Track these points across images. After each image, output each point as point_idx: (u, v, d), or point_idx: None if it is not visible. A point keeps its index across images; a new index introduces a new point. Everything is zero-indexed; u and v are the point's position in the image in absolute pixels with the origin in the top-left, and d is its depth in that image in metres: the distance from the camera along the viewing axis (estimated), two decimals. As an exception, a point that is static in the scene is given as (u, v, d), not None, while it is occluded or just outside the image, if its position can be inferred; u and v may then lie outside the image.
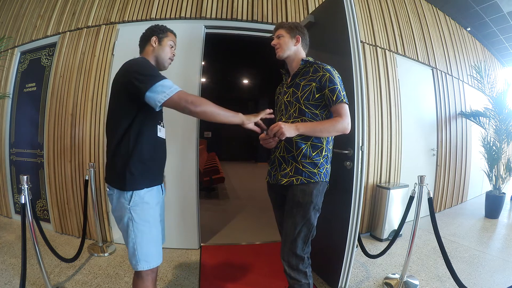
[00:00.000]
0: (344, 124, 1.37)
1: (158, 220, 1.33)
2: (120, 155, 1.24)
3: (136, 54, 1.41)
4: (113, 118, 1.27)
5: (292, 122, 1.43)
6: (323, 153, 1.43)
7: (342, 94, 1.38)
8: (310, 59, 1.50)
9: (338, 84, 1.39)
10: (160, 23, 1.59)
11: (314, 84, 1.41)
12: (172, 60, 1.43)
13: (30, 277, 2.02)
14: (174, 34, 1.43)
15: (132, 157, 1.23)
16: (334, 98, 1.38)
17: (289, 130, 1.29)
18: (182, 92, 1.18)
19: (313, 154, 1.42)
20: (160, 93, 1.14)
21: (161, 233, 1.36)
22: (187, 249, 2.63)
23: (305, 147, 1.42)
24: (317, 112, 1.43)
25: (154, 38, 1.36)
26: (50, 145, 2.84)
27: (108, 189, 1.29)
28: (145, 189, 1.25)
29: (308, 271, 1.43)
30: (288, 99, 1.49)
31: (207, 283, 2.08)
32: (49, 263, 2.23)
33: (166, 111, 2.71)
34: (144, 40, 1.39)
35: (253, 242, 2.88)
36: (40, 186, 3.02)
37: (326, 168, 1.45)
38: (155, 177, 1.33)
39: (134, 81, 1.15)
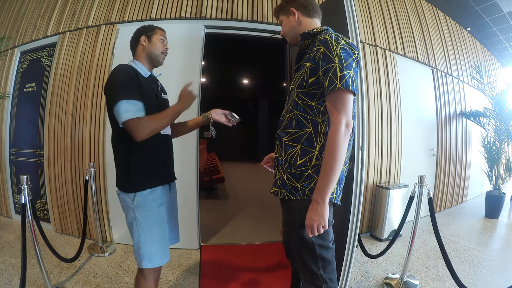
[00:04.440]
0: (340, 129, 0.98)
1: (164, 220, 1.33)
2: (120, 157, 1.27)
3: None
4: (111, 121, 1.28)
5: (288, 117, 1.17)
6: (313, 162, 1.08)
7: (338, 76, 0.97)
8: (317, 29, 1.16)
9: (337, 61, 0.99)
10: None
11: (308, 64, 1.07)
12: (165, 54, 1.43)
13: (30, 277, 2.01)
14: (163, 30, 1.43)
15: (131, 158, 1.24)
16: (326, 84, 1.00)
17: (317, 214, 1.00)
18: (133, 122, 1.16)
19: (299, 163, 1.09)
20: (117, 117, 1.17)
21: (167, 232, 1.36)
22: (187, 249, 2.63)
23: (292, 152, 1.11)
24: (312, 104, 1.08)
25: (143, 37, 1.36)
26: (50, 145, 2.84)
27: (116, 188, 1.31)
28: (148, 189, 1.26)
29: (326, 287, 1.16)
30: (293, 86, 1.19)
31: (207, 283, 2.08)
32: (49, 263, 2.23)
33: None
34: (134, 42, 1.39)
35: (253, 242, 2.88)
36: (40, 186, 3.02)
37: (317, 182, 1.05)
38: (158, 176, 1.32)
39: (108, 98, 1.20)
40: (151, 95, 1.31)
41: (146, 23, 1.45)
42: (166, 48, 1.42)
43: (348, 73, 0.99)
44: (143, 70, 1.34)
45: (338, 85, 0.97)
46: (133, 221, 1.25)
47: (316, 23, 1.23)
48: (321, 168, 1.02)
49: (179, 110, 1.31)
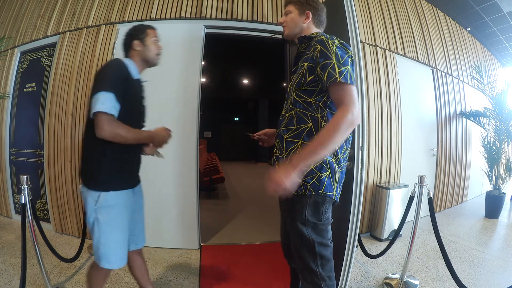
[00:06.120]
0: (346, 116, 0.98)
1: (124, 225, 1.33)
2: (92, 153, 1.27)
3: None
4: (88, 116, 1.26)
5: (288, 115, 1.20)
6: None
7: (337, 71, 1.02)
8: (313, 34, 1.21)
9: (334, 58, 1.04)
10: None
11: (306, 64, 1.13)
12: (160, 55, 1.42)
13: (30, 277, 2.01)
14: (154, 29, 1.42)
15: (102, 155, 1.24)
16: (325, 78, 1.04)
17: (286, 181, 0.96)
18: (101, 116, 1.14)
19: None
20: (92, 105, 1.15)
21: (127, 237, 1.36)
22: (187, 249, 2.63)
23: (293, 147, 1.16)
24: (310, 100, 1.13)
25: (136, 43, 1.35)
26: (50, 145, 2.84)
27: (81, 185, 1.31)
28: (112, 191, 1.25)
29: (324, 285, 1.17)
30: (290, 87, 1.24)
31: (207, 283, 2.08)
32: (49, 263, 2.23)
33: (166, 110, 2.69)
34: (127, 46, 1.38)
35: (253, 242, 2.88)
36: (40, 186, 3.02)
37: (320, 177, 1.11)
38: (124, 180, 1.33)
39: (94, 85, 1.20)
40: (137, 98, 1.32)
41: (145, 23, 1.44)
42: (160, 49, 1.41)
43: (346, 68, 1.04)
44: (135, 71, 1.34)
45: (338, 79, 1.02)
46: (94, 222, 1.25)
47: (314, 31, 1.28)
48: (313, 140, 1.02)
49: (146, 141, 1.34)
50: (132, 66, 1.33)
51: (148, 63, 1.39)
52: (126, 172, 1.34)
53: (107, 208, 1.25)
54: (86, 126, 1.28)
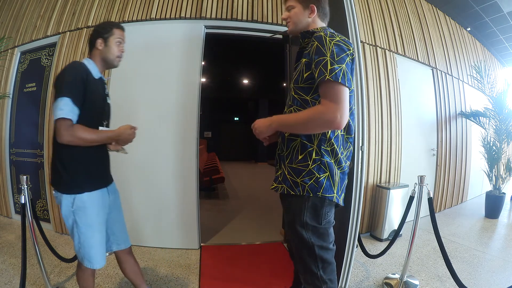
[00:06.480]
0: (326, 113, 0.96)
1: (102, 225, 1.34)
2: (59, 157, 1.27)
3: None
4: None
5: (288, 112, 1.20)
6: (313, 157, 1.09)
7: (328, 69, 0.97)
8: (317, 29, 1.15)
9: (328, 55, 0.99)
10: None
11: (304, 60, 1.11)
12: (121, 58, 1.40)
13: (30, 277, 2.01)
14: (122, 29, 1.39)
15: (70, 159, 1.24)
16: (316, 75, 1.01)
17: (262, 127, 1.14)
18: (61, 121, 1.15)
19: (300, 158, 1.11)
20: (53, 113, 1.16)
21: (105, 237, 1.37)
22: (187, 249, 2.63)
23: (294, 145, 1.14)
24: (307, 98, 1.10)
25: (99, 41, 1.33)
26: (50, 145, 2.83)
27: (54, 191, 1.30)
28: (86, 193, 1.26)
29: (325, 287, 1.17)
30: (291, 84, 1.22)
31: (207, 283, 2.08)
32: (49, 263, 2.23)
33: (166, 110, 2.69)
34: (91, 43, 1.36)
35: (253, 242, 2.87)
36: (40, 186, 3.02)
37: (318, 178, 1.08)
38: (96, 180, 1.34)
39: (54, 92, 1.20)
40: (98, 97, 1.32)
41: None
42: (121, 52, 1.39)
43: (339, 67, 0.98)
44: (95, 70, 1.33)
45: (327, 77, 0.97)
46: (73, 224, 1.27)
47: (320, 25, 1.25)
48: (293, 115, 1.10)
49: (110, 141, 1.34)
50: (92, 66, 1.32)
51: (107, 64, 1.37)
52: (96, 172, 1.34)
53: (83, 209, 1.26)
54: (54, 132, 1.28)
